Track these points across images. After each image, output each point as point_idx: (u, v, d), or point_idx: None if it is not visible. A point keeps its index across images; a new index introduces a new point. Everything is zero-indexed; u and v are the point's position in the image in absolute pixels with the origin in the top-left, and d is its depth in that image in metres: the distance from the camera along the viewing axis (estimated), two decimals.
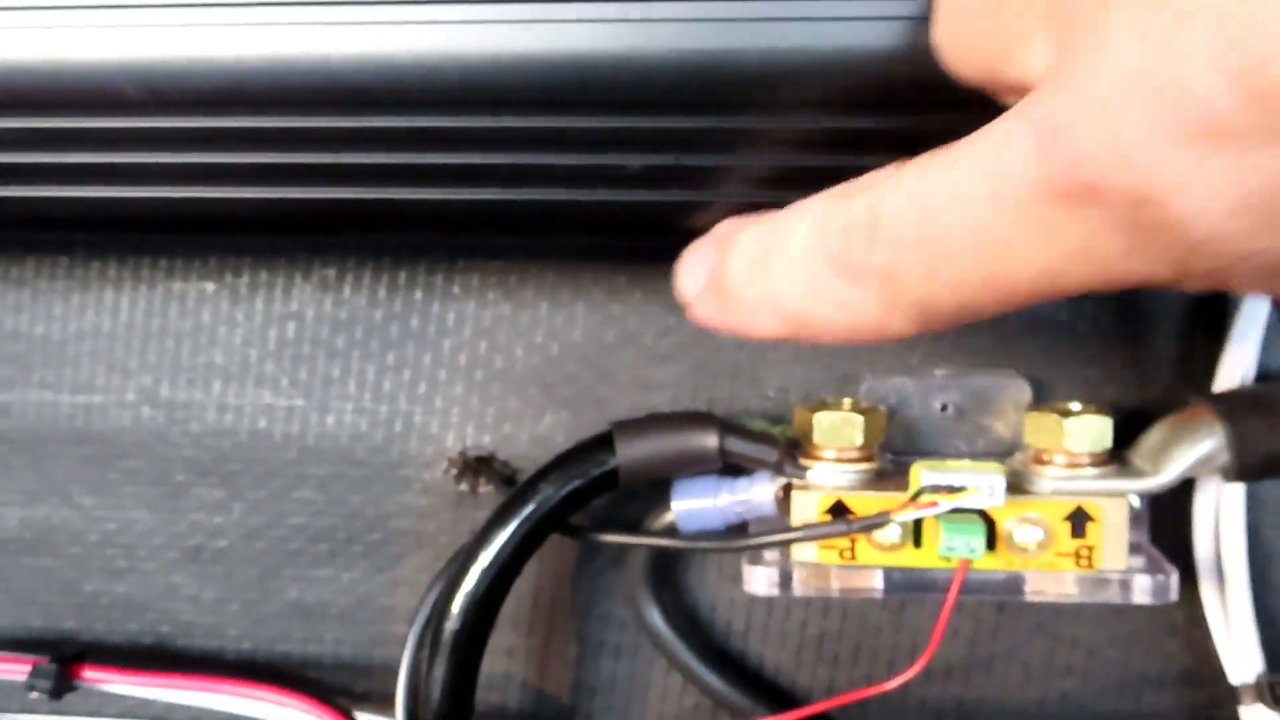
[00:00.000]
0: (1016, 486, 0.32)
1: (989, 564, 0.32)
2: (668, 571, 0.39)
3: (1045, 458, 0.33)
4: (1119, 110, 0.15)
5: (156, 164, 0.29)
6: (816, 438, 0.34)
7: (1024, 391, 0.36)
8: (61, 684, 0.39)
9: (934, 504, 0.31)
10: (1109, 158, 0.15)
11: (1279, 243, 0.15)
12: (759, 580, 0.35)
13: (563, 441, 0.38)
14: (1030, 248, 0.17)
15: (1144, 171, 0.15)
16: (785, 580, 0.34)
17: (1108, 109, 0.15)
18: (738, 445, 0.34)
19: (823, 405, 0.35)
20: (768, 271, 0.22)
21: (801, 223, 0.21)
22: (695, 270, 0.24)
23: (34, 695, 0.39)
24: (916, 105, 0.27)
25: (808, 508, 0.33)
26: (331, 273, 0.38)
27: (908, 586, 0.33)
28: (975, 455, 0.36)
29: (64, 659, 0.39)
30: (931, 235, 0.18)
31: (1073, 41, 0.16)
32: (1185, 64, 0.14)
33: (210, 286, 0.39)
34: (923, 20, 0.26)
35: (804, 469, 0.34)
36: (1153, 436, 0.33)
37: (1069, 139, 0.16)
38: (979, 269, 0.18)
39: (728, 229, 0.24)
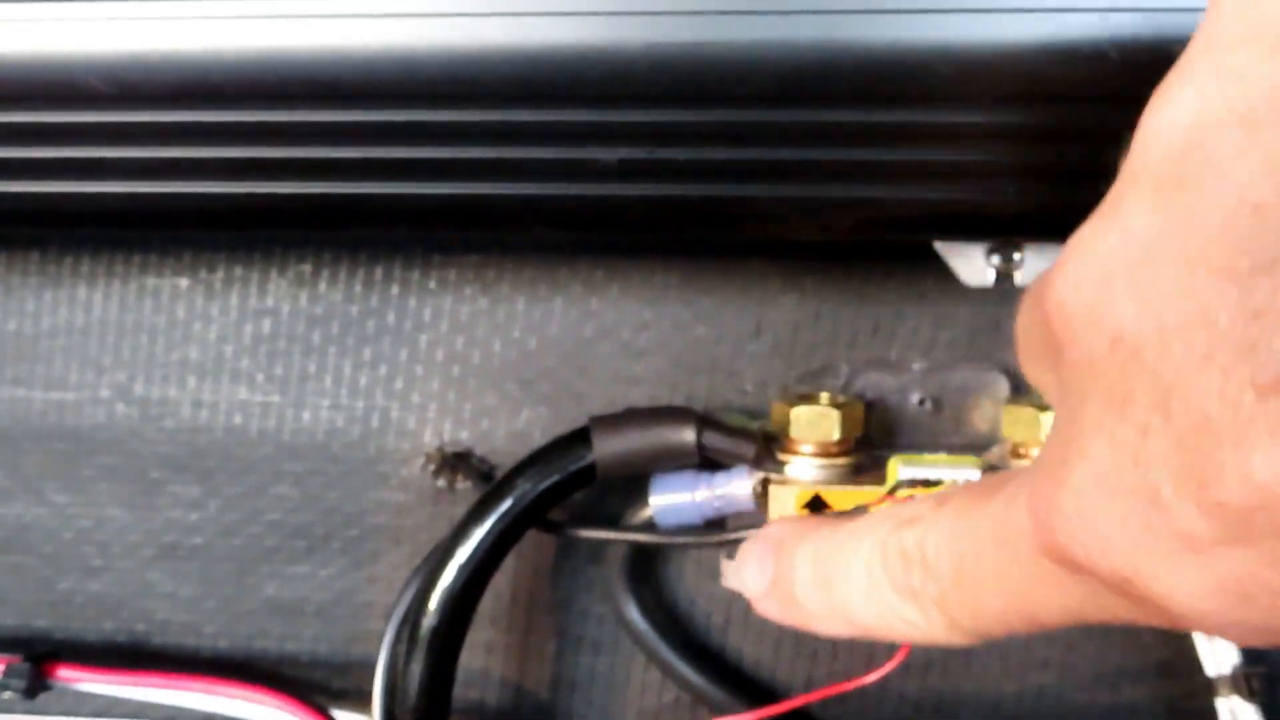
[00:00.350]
0: None
1: None
2: (646, 566, 0.39)
3: (1022, 451, 0.33)
4: (1095, 507, 0.17)
5: (125, 159, 0.29)
6: (794, 432, 0.34)
7: (1001, 385, 0.36)
8: (35, 683, 0.38)
9: (911, 498, 0.31)
10: (1090, 546, 0.17)
11: (1258, 617, 0.16)
12: None
13: (540, 437, 0.38)
14: (1049, 596, 0.19)
15: (1122, 561, 0.17)
16: None
17: (1085, 504, 0.17)
18: (715, 440, 0.34)
19: (800, 400, 0.35)
20: (833, 588, 0.24)
21: (861, 547, 0.23)
22: (755, 573, 0.27)
23: (7, 695, 0.38)
24: (882, 100, 0.27)
25: (785, 502, 0.33)
26: (307, 268, 0.38)
27: None
28: (952, 449, 0.36)
29: (38, 658, 0.39)
30: (968, 577, 0.21)
31: (1058, 413, 0.18)
32: (1148, 474, 0.16)
33: (184, 282, 0.38)
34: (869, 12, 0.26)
35: (782, 463, 0.34)
36: None
37: (1055, 524, 0.18)
38: (1011, 607, 0.20)
39: (782, 536, 0.26)
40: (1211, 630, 0.17)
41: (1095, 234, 0.17)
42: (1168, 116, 0.17)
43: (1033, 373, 0.21)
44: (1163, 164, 0.16)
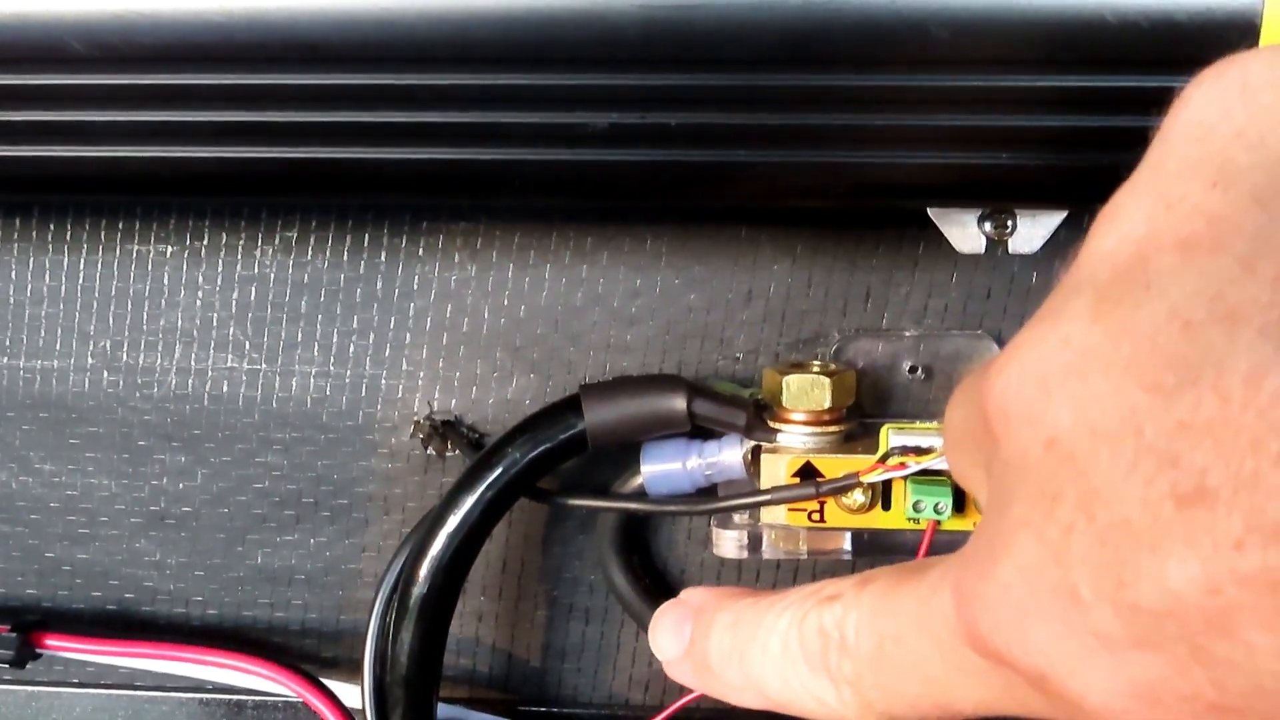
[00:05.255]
0: None
1: (957, 525, 0.32)
2: (637, 535, 0.39)
3: None
4: (1017, 601, 0.17)
5: (106, 122, 0.28)
6: (785, 400, 0.34)
7: (993, 352, 0.36)
8: (24, 652, 0.38)
9: (902, 466, 0.31)
10: (1011, 639, 0.18)
11: (1170, 717, 0.17)
12: (728, 543, 0.35)
13: (530, 405, 0.38)
14: (966, 685, 0.20)
15: (1040, 656, 0.17)
16: (754, 543, 0.34)
17: (1008, 597, 0.17)
18: (706, 408, 0.34)
19: (791, 368, 0.35)
20: (748, 659, 0.24)
21: (780, 621, 0.23)
22: (670, 638, 0.27)
23: None
24: (877, 64, 0.27)
25: (776, 470, 0.33)
26: (293, 235, 0.38)
27: (876, 549, 0.33)
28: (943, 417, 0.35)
29: (26, 627, 0.38)
30: (887, 660, 0.21)
31: (988, 506, 0.19)
32: (1069, 572, 0.16)
33: (169, 249, 0.38)
34: None
35: (773, 432, 0.34)
36: None
37: (978, 615, 0.18)
38: (927, 693, 0.21)
39: (701, 603, 0.26)
40: None
41: (1035, 338, 0.18)
42: (1113, 234, 0.18)
43: (959, 465, 0.21)
44: (1104, 278, 0.17)
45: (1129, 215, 0.18)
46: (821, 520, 0.33)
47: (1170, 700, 0.16)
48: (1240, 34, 0.26)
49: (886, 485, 0.32)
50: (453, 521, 0.34)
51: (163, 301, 0.38)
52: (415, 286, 0.38)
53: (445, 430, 0.38)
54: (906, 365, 0.37)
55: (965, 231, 0.32)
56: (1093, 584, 0.16)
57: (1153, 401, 0.16)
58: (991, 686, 0.19)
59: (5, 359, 0.39)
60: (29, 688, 0.42)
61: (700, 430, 0.35)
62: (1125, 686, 0.16)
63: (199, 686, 0.41)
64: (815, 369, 0.34)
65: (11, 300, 0.39)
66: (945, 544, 0.33)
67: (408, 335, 0.38)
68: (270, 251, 0.38)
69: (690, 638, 0.26)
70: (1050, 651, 0.17)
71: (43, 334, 0.39)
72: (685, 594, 0.27)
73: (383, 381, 0.38)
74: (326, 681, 0.38)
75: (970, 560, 0.19)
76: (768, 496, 0.33)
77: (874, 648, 0.21)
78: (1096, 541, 0.16)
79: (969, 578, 0.18)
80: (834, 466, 0.33)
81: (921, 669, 0.20)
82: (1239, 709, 0.16)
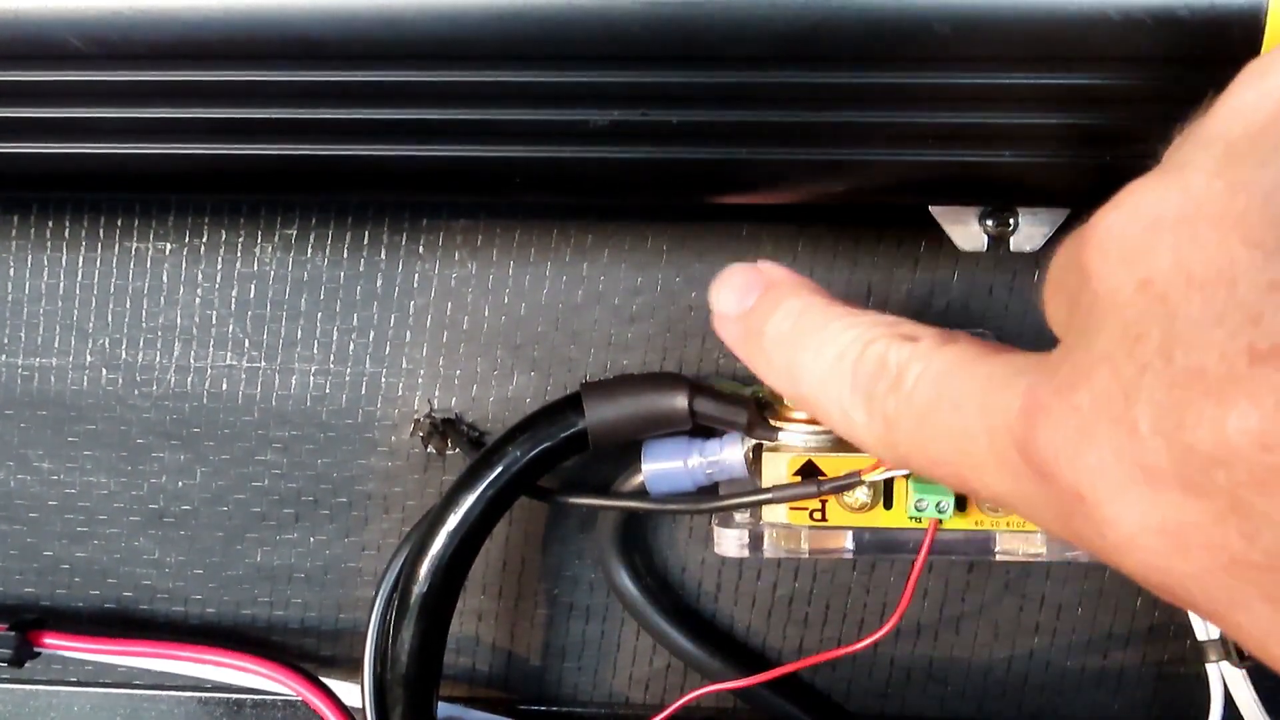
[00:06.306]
0: None
1: (959, 524, 0.32)
2: (638, 534, 0.39)
3: None
4: (1079, 423, 0.18)
5: (104, 119, 0.28)
6: (786, 399, 0.33)
7: None
8: (23, 651, 0.38)
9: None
10: (1062, 452, 0.18)
11: (1185, 568, 0.17)
12: (729, 542, 0.34)
13: (531, 403, 0.38)
14: (998, 479, 0.20)
15: (1085, 475, 0.18)
16: (755, 542, 0.34)
17: (1072, 419, 0.18)
18: (708, 406, 0.34)
19: None
20: (798, 353, 0.25)
21: (846, 334, 0.24)
22: (734, 298, 0.27)
23: None
24: (879, 62, 0.27)
25: (778, 469, 0.33)
26: (292, 232, 0.37)
27: (878, 547, 0.33)
28: None
29: (24, 625, 0.38)
30: (932, 420, 0.21)
31: (1071, 340, 0.19)
32: (1134, 408, 0.17)
33: (168, 246, 0.38)
34: None
35: (774, 430, 0.34)
36: None
37: (1040, 423, 0.19)
38: (953, 464, 0.21)
39: (778, 279, 0.26)
40: (1136, 571, 0.18)
41: (1156, 185, 0.18)
42: (1255, 89, 0.18)
43: (1051, 305, 0.22)
44: (1237, 135, 0.18)
45: (1275, 77, 0.18)
46: (823, 519, 0.33)
47: (1196, 547, 0.17)
48: (1244, 31, 0.26)
49: (888, 484, 0.32)
50: (453, 520, 0.34)
51: (162, 299, 0.38)
52: (415, 284, 0.37)
53: (445, 428, 0.38)
54: None
55: (967, 229, 0.32)
56: (1153, 421, 0.17)
57: (1251, 258, 0.16)
58: (1019, 490, 0.20)
59: (3, 356, 0.39)
60: (27, 686, 0.42)
61: (701, 429, 0.34)
62: (1157, 525, 0.17)
63: (198, 685, 0.41)
64: None
65: (10, 297, 0.38)
66: (946, 543, 0.33)
67: (408, 333, 0.38)
68: (270, 249, 0.38)
69: (753, 305, 0.26)
70: (1095, 474, 0.18)
71: (41, 331, 0.39)
72: (763, 264, 0.27)
73: (383, 379, 0.38)
74: (326, 680, 0.38)
75: (1050, 375, 0.19)
76: (769, 495, 0.33)
77: (929, 402, 0.22)
78: (1167, 383, 0.17)
79: (1044, 391, 0.19)
80: (836, 465, 0.33)
81: (963, 443, 0.21)
82: (1261, 566, 0.16)
